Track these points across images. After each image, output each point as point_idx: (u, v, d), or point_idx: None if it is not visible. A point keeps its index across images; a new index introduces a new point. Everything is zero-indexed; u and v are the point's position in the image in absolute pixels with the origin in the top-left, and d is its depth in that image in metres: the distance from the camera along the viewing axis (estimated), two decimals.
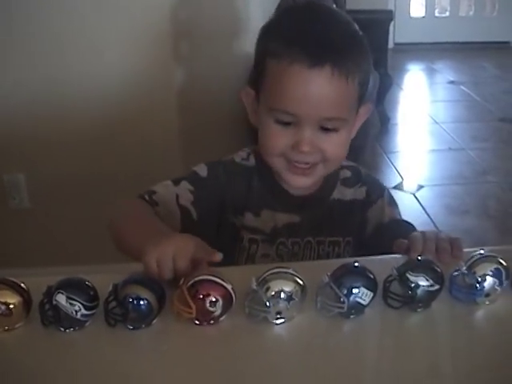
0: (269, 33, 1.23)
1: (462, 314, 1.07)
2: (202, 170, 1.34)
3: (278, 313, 1.01)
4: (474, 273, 1.06)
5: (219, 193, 1.33)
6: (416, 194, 3.81)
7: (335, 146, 1.23)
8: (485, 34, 7.31)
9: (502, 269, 1.06)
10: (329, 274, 1.03)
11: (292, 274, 1.01)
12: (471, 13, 7.50)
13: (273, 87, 1.19)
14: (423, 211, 3.58)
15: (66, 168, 2.82)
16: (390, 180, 4.01)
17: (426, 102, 5.81)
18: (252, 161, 1.36)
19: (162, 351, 0.98)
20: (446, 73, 6.58)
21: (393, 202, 1.44)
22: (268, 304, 0.99)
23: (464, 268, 1.06)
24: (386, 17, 4.90)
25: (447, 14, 7.49)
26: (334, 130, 1.21)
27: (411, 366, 0.94)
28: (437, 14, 7.50)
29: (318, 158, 1.23)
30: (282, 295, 1.00)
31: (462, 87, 6.01)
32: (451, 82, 6.22)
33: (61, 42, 2.69)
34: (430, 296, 1.05)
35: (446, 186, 4.00)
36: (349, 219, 1.39)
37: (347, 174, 1.41)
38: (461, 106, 5.60)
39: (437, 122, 5.08)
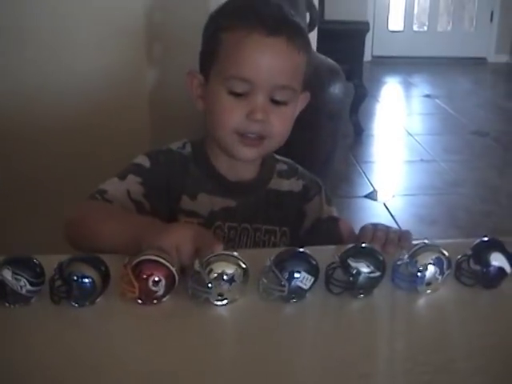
0: (220, 14, 1.32)
1: (403, 301, 1.09)
2: (144, 160, 1.36)
3: (220, 294, 1.02)
4: (416, 261, 1.08)
5: (164, 180, 1.35)
6: (386, 204, 3.84)
7: (282, 120, 1.28)
8: (462, 50, 7.39)
9: (443, 258, 1.08)
10: (272, 258, 1.04)
11: (235, 257, 1.03)
12: (449, 28, 7.58)
13: (229, 57, 1.25)
14: (393, 220, 3.61)
15: (36, 164, 2.81)
16: (362, 189, 4.05)
17: (402, 115, 5.87)
18: (188, 149, 1.39)
19: (106, 329, 0.99)
20: (422, 86, 6.64)
21: (330, 201, 1.47)
22: (210, 285, 1.01)
23: (406, 256, 1.08)
24: (363, 28, 4.95)
25: (425, 28, 7.57)
26: (284, 103, 1.27)
27: (349, 350, 0.95)
28: (415, 29, 7.57)
29: (267, 131, 1.27)
30: (224, 277, 1.01)
31: (437, 101, 6.07)
32: (427, 96, 6.28)
33: (34, 39, 2.70)
34: (371, 283, 1.07)
35: (416, 196, 4.04)
36: (285, 209, 1.41)
37: (283, 166, 1.45)
38: (435, 119, 5.67)
39: (410, 134, 5.13)
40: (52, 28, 2.70)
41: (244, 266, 1.03)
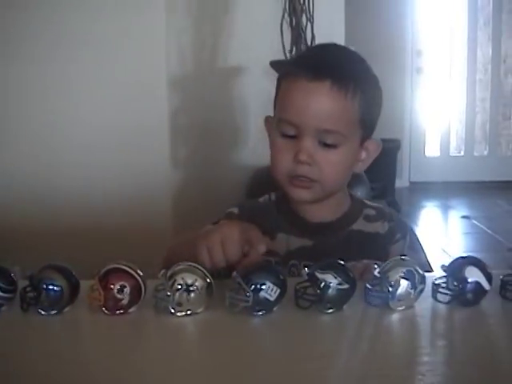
0: (288, 62, 1.39)
1: (374, 317, 1.07)
2: (234, 209, 1.46)
3: (179, 304, 1.04)
4: (388, 277, 1.07)
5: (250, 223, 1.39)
6: None
7: (332, 163, 1.30)
8: (499, 173, 7.41)
9: (414, 272, 1.07)
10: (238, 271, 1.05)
11: (199, 269, 1.05)
12: (485, 152, 7.63)
13: (281, 100, 1.33)
14: None
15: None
16: None
17: (439, 236, 5.83)
18: (273, 197, 1.47)
19: (72, 338, 1.00)
20: (459, 209, 6.63)
21: (415, 246, 1.44)
22: (169, 294, 1.03)
23: (377, 271, 1.07)
24: (394, 145, 5.03)
25: (462, 153, 7.63)
26: (333, 146, 1.29)
27: (314, 365, 0.92)
28: (451, 154, 7.63)
29: (316, 174, 1.29)
30: (184, 287, 1.03)
31: (475, 221, 6.04)
32: (464, 217, 6.25)
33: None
34: (340, 295, 1.06)
35: None
36: (368, 249, 1.38)
37: (371, 211, 1.44)
38: (471, 238, 5.63)
39: (446, 252, 5.08)
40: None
41: (208, 279, 1.04)
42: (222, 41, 3.28)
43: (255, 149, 3.41)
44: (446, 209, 6.80)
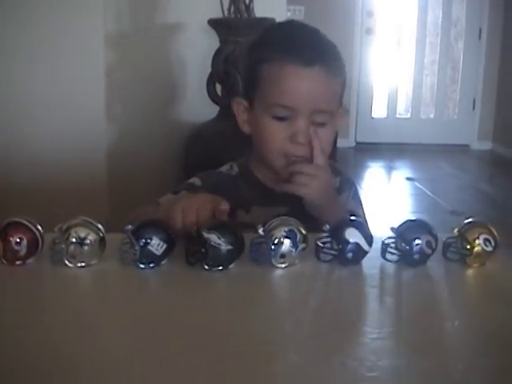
0: (259, 45, 1.46)
1: (259, 274, 1.15)
2: (196, 180, 1.51)
3: (72, 256, 1.11)
4: (271, 235, 1.14)
5: None
6: None
7: (322, 141, 1.38)
8: (445, 137, 7.55)
9: (296, 231, 1.15)
10: (130, 226, 1.12)
11: (92, 224, 1.13)
12: (432, 115, 7.75)
13: (270, 87, 1.37)
14: None
15: None
16: None
17: (382, 197, 5.93)
18: (235, 169, 1.53)
19: None
20: (403, 170, 6.75)
21: (357, 198, 1.56)
22: (63, 246, 1.11)
23: (261, 230, 1.15)
24: None
25: (408, 115, 7.74)
26: (322, 124, 1.38)
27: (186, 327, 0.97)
28: (398, 116, 7.74)
29: (309, 153, 1.37)
30: (77, 240, 1.10)
31: (417, 183, 6.16)
32: (408, 179, 6.37)
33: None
34: (224, 256, 1.13)
35: None
36: None
37: None
38: (413, 200, 5.75)
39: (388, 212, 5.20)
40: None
41: (101, 233, 1.11)
42: None
43: (193, 105, 3.46)
44: (389, 170, 6.92)
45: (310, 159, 1.38)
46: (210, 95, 3.30)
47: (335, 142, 5.19)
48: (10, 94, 2.86)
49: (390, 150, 7.37)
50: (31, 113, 2.89)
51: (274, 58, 1.37)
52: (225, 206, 1.24)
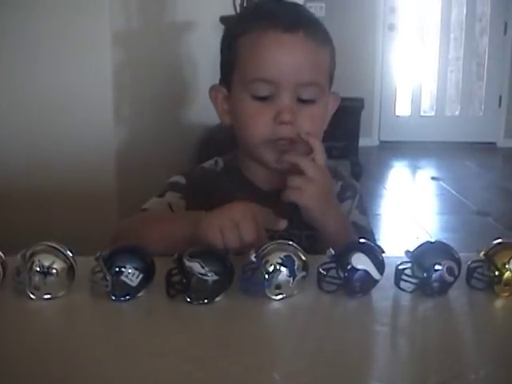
0: (234, 22, 1.34)
1: (250, 308, 0.99)
2: (180, 178, 1.36)
3: (36, 288, 0.97)
4: (266, 262, 0.99)
5: (202, 194, 1.32)
6: None
7: (312, 120, 1.22)
8: (471, 134, 7.37)
9: (294, 258, 0.99)
10: (103, 252, 0.97)
11: (58, 250, 0.97)
12: (457, 113, 7.58)
13: (248, 60, 1.22)
14: None
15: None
16: None
17: (407, 196, 5.78)
18: (220, 164, 1.38)
19: None
20: (428, 169, 6.60)
21: (364, 210, 1.39)
22: (26, 277, 0.96)
23: (253, 256, 0.99)
24: (357, 104, 4.93)
25: (433, 113, 7.57)
26: (311, 101, 1.22)
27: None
28: (422, 113, 7.57)
29: (297, 133, 1.21)
30: (40, 269, 0.96)
31: (442, 183, 6.00)
32: (433, 178, 6.22)
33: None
34: (205, 285, 0.96)
35: None
36: None
37: None
38: (438, 200, 5.60)
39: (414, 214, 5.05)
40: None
41: (69, 261, 0.97)
42: None
43: (205, 107, 3.32)
44: (414, 169, 6.77)
45: (298, 142, 1.21)
46: None
47: (357, 141, 5.11)
48: (16, 95, 2.75)
49: (414, 149, 7.20)
50: (38, 115, 2.77)
51: (252, 28, 1.22)
52: (283, 224, 1.10)
